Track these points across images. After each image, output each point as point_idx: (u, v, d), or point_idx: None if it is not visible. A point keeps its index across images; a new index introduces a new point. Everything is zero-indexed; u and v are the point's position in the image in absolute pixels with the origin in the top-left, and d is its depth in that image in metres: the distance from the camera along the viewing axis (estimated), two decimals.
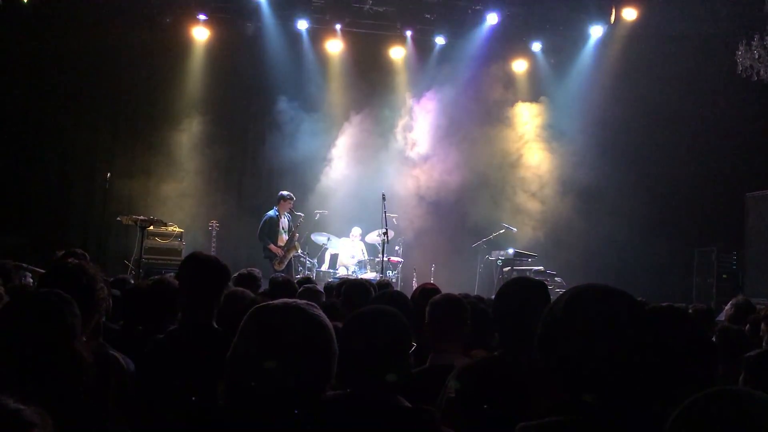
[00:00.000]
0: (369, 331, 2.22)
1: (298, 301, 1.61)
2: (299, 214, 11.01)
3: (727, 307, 5.54)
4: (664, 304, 4.01)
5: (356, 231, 11.80)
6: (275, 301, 1.61)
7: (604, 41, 13.15)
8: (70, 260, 3.03)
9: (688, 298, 11.07)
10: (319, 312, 1.59)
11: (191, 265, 3.25)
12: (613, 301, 1.59)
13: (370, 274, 10.96)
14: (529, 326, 2.84)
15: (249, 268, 5.45)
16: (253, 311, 1.59)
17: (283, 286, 5.13)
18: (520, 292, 2.96)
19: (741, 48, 9.93)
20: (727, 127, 12.10)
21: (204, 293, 3.12)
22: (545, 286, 3.15)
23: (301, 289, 5.02)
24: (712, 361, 2.59)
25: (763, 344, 4.12)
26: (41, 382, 2.04)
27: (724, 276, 11.81)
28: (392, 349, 2.24)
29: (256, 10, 12.47)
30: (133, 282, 5.56)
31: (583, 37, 13.28)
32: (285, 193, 10.91)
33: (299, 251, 11.11)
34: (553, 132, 13.32)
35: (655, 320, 1.62)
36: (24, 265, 6.64)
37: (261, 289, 5.33)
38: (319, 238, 11.60)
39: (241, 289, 3.95)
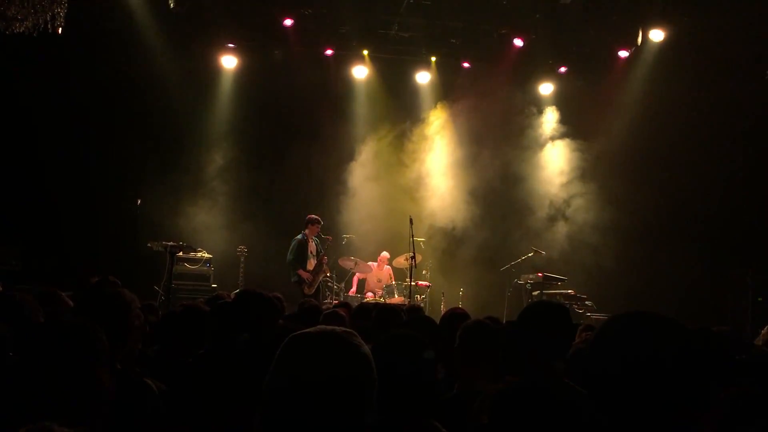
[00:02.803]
0: (391, 358, 2.22)
1: (336, 328, 1.57)
2: (327, 237, 11.03)
3: (763, 332, 5.42)
4: (700, 327, 3.95)
5: (384, 255, 11.79)
6: (312, 329, 1.58)
7: (631, 63, 13.05)
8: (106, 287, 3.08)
9: (722, 321, 10.83)
10: (359, 341, 1.55)
11: (249, 299, 3.33)
12: (666, 329, 1.58)
13: (397, 299, 10.92)
14: (551, 351, 2.81)
15: (274, 293, 5.48)
16: (290, 340, 1.55)
17: (311, 311, 5.17)
18: (541, 317, 2.94)
19: None
20: (760, 147, 11.92)
21: (255, 328, 3.19)
22: (567, 310, 3.12)
23: (323, 314, 5.05)
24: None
25: None
26: (62, 406, 2.05)
27: (760, 299, 11.56)
28: (414, 376, 2.23)
29: (283, 37, 12.63)
30: (158, 308, 5.63)
31: (610, 59, 13.20)
32: (313, 216, 10.96)
33: (328, 274, 11.13)
34: (582, 155, 13.22)
35: (704, 346, 1.60)
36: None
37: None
38: (346, 263, 11.61)
39: None
